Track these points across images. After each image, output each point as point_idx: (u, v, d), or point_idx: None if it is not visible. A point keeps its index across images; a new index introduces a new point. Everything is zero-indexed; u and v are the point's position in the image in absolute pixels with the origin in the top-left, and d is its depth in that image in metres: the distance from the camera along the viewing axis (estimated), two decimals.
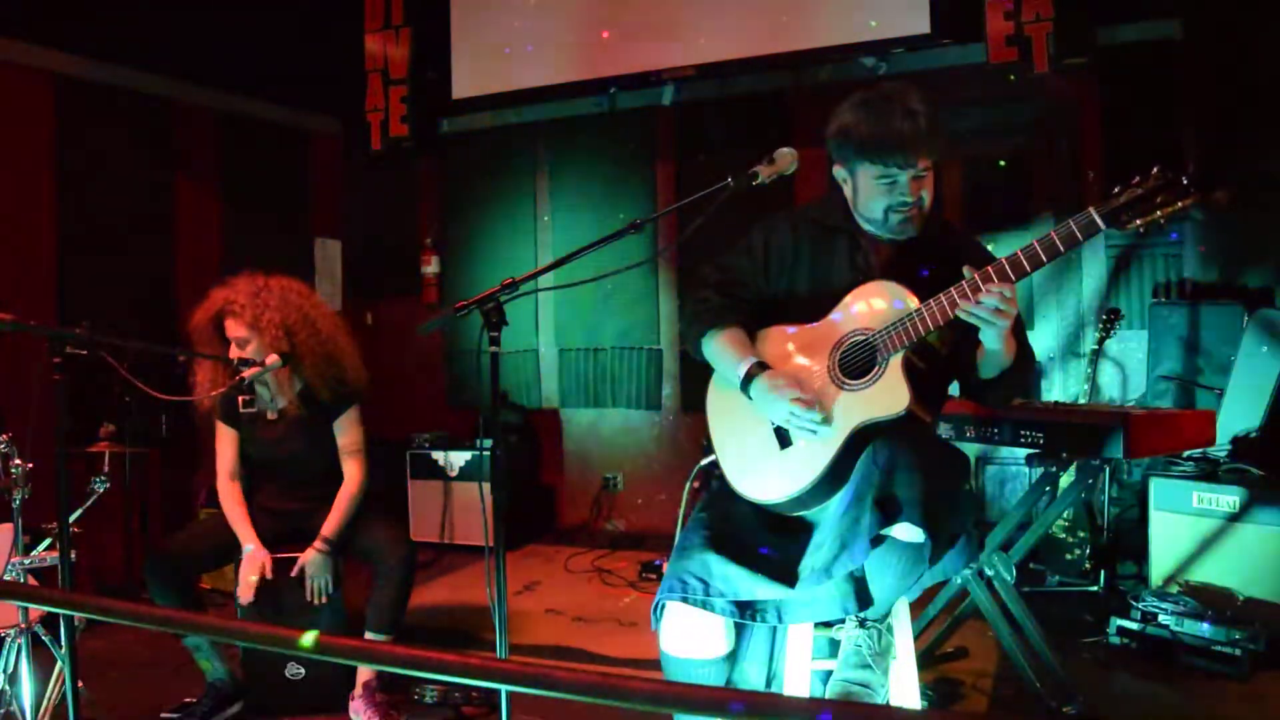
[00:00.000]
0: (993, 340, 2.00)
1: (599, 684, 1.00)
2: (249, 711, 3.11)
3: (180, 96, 5.19)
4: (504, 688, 1.03)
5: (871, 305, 2.09)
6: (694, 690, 0.97)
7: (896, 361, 2.02)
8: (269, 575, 3.03)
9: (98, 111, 4.75)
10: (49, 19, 4.52)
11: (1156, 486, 3.68)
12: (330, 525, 3.09)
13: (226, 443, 3.22)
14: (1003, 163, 4.82)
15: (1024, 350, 2.14)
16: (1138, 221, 1.88)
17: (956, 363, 2.18)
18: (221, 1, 5.32)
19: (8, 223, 4.40)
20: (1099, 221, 1.88)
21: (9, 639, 2.75)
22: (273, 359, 3.02)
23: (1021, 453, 4.23)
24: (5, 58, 4.40)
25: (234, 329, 3.10)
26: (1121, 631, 3.36)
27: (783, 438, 2.12)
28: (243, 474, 3.27)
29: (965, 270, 1.96)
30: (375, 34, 5.92)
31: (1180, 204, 1.85)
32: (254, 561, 3.03)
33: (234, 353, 3.07)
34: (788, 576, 2.00)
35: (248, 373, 2.94)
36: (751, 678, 2.27)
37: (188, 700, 3.12)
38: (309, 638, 1.05)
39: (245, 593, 3.01)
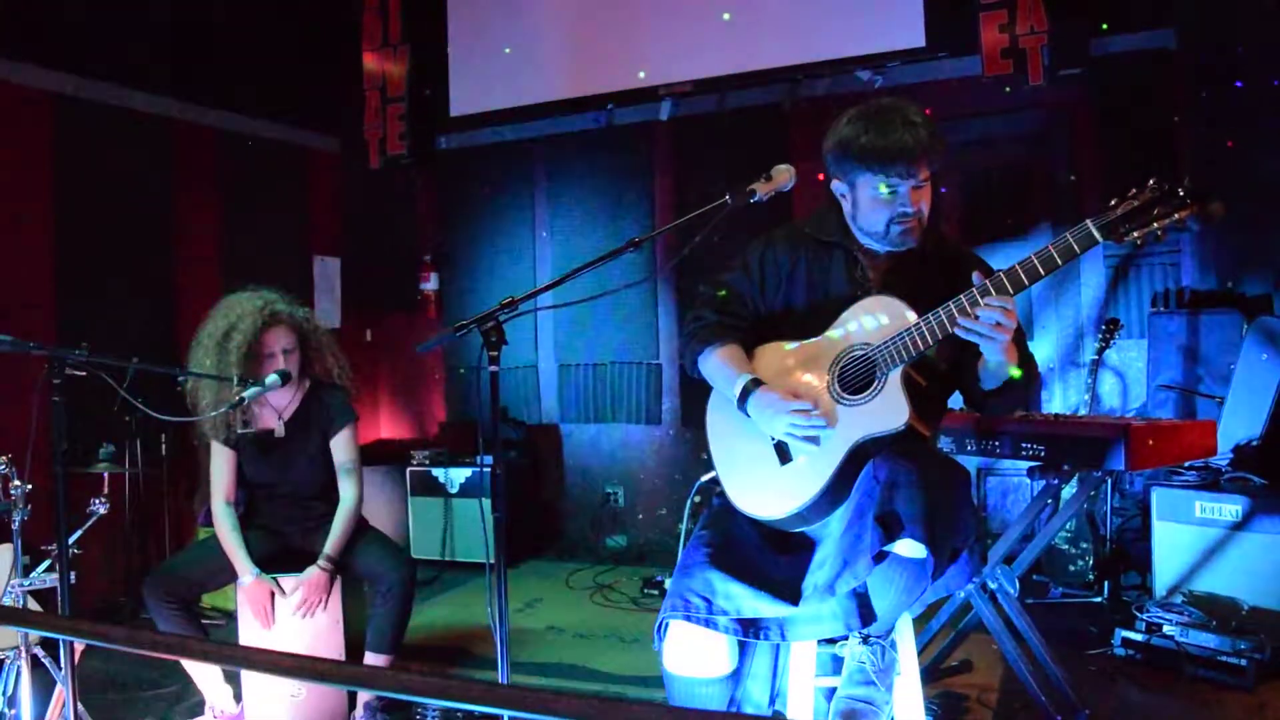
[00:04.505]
0: (994, 353, 2.00)
1: (599, 708, 1.00)
2: None
3: (179, 115, 5.21)
4: (505, 713, 1.02)
5: (869, 320, 2.09)
6: (695, 715, 0.97)
7: (895, 376, 2.02)
8: (280, 594, 3.03)
9: (96, 131, 4.76)
10: (48, 39, 4.54)
11: (1159, 496, 3.68)
12: (332, 544, 3.09)
13: (223, 464, 3.20)
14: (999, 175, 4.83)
15: (1026, 361, 2.14)
16: (1135, 234, 1.88)
17: (958, 375, 2.18)
18: (221, 21, 5.35)
19: (6, 242, 4.41)
20: (1096, 235, 1.88)
21: (8, 661, 2.74)
22: (271, 378, 3.02)
23: (1023, 464, 4.24)
24: (4, 78, 4.42)
25: (285, 335, 3.11)
26: (1126, 643, 3.35)
27: (782, 454, 2.12)
28: (240, 495, 3.26)
29: (975, 277, 1.96)
30: (373, 53, 5.95)
31: (1177, 216, 1.85)
32: (259, 591, 3.01)
33: (280, 364, 3.07)
34: (791, 594, 1.99)
35: (248, 393, 2.94)
36: (755, 696, 2.26)
37: None
38: None
39: (266, 622, 3.00)
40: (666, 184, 5.59)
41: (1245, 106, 4.26)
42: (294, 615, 3.02)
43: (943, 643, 3.23)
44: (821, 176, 2.22)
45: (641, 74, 5.31)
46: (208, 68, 5.30)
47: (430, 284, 6.19)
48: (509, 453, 5.53)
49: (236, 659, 1.31)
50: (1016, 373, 2.07)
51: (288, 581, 3.05)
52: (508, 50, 5.72)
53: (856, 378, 2.08)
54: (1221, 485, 3.58)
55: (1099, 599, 3.97)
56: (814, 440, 2.05)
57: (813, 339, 2.18)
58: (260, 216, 5.66)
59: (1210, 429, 2.93)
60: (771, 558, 2.10)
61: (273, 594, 3.02)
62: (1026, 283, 1.94)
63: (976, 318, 1.93)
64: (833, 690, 2.17)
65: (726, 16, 5.13)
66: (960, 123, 4.79)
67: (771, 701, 2.30)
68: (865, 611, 2.00)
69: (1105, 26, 4.51)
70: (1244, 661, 3.07)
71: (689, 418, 5.49)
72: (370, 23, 5.96)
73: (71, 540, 2.75)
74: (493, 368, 2.02)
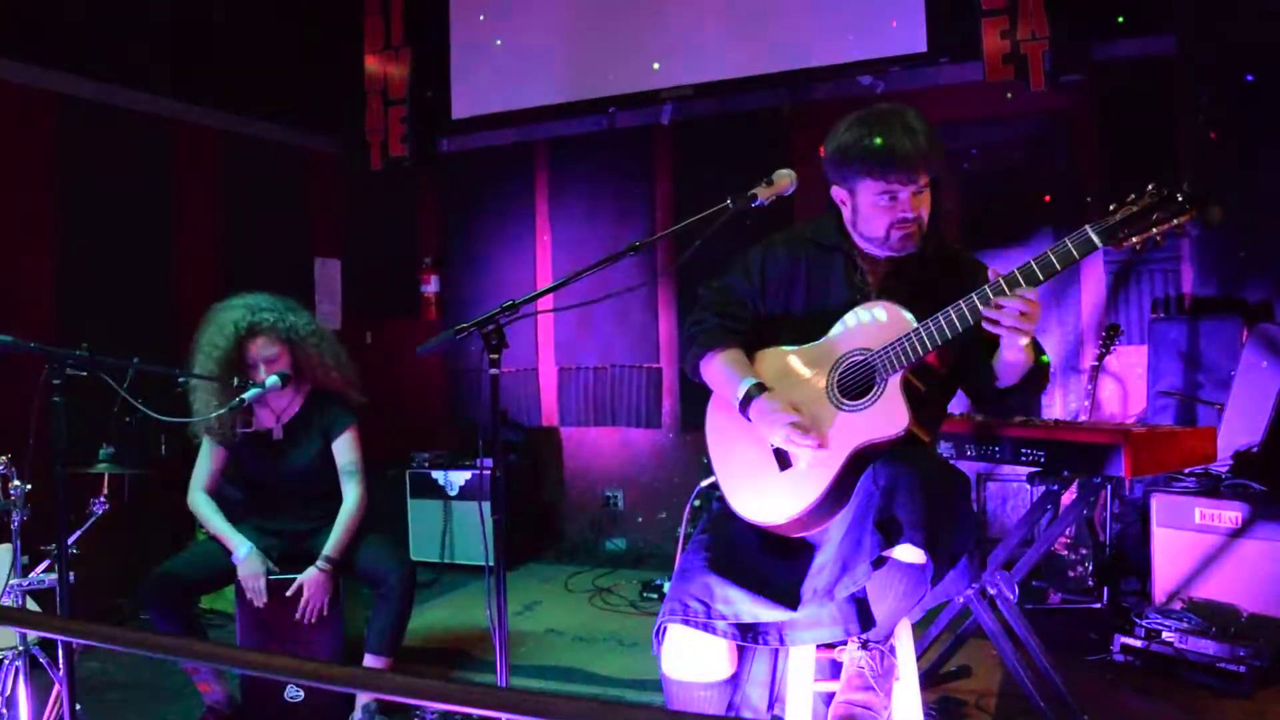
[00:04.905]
0: (1015, 350, 1.98)
1: (598, 712, 1.00)
2: None
3: (180, 116, 5.22)
4: (504, 715, 1.02)
5: (869, 325, 2.09)
6: (694, 719, 0.97)
7: (895, 381, 2.02)
8: (274, 568, 3.06)
9: (97, 131, 4.77)
10: (49, 40, 4.55)
11: (1159, 503, 3.67)
12: (333, 544, 3.09)
13: (209, 459, 3.23)
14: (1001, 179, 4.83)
15: (1040, 353, 2.12)
16: (1134, 240, 1.88)
17: (968, 378, 2.17)
18: (222, 22, 5.36)
19: (7, 242, 4.41)
20: (1096, 240, 1.88)
21: (6, 661, 2.74)
22: (272, 380, 3.02)
23: (1023, 469, 4.25)
24: (5, 78, 4.42)
25: (266, 345, 3.10)
26: (1125, 649, 3.35)
27: (782, 459, 2.12)
28: (241, 495, 3.26)
29: (990, 274, 1.95)
30: (375, 54, 5.96)
31: (1176, 221, 1.85)
32: (253, 564, 3.03)
33: (262, 374, 3.06)
34: (789, 598, 1.99)
35: (248, 394, 2.94)
36: (753, 701, 2.26)
37: None
38: None
39: (259, 596, 3.02)
40: (667, 187, 5.59)
41: (1245, 112, 4.27)
42: (298, 617, 3.02)
43: (941, 648, 3.23)
44: (825, 135, 2.21)
45: (656, 66, 5.31)
46: (209, 68, 5.31)
47: (431, 286, 6.20)
48: (509, 455, 5.53)
49: (234, 660, 1.30)
50: (1045, 358, 2.06)
51: (288, 583, 3.05)
52: (498, 43, 5.73)
53: (856, 382, 2.08)
54: (1221, 492, 3.58)
55: (1098, 605, 3.97)
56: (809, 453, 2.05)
57: (812, 343, 2.18)
58: (261, 218, 5.66)
59: (1210, 435, 2.92)
60: (770, 562, 2.10)
61: (266, 569, 3.04)
62: (1025, 287, 1.94)
63: (1000, 307, 1.91)
64: (831, 695, 2.17)
65: None
66: (961, 128, 4.80)
67: (770, 706, 2.30)
68: (864, 616, 2.00)
69: (1121, 19, 4.49)
70: (1243, 668, 3.07)
71: (689, 421, 5.49)
72: (372, 24, 5.97)
73: (71, 541, 2.75)
74: (493, 370, 2.02)
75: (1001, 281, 1.93)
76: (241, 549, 3.05)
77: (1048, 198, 4.71)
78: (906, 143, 2.04)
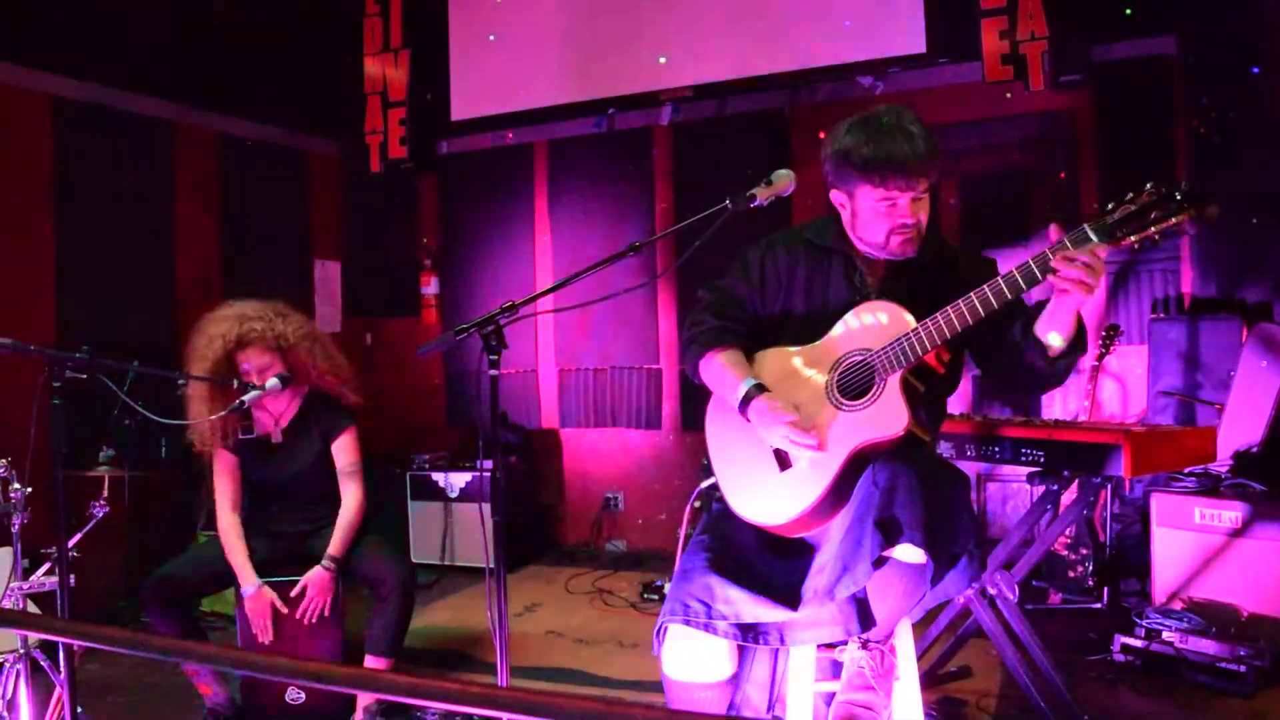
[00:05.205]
0: (1070, 309, 1.95)
1: (600, 711, 1.00)
2: None
3: (179, 118, 5.22)
4: (505, 715, 1.02)
5: (869, 325, 2.10)
6: (695, 719, 0.97)
7: (895, 382, 2.02)
8: (282, 610, 3.03)
9: (96, 134, 4.77)
10: (48, 42, 4.55)
11: (1159, 503, 3.68)
12: (335, 544, 3.09)
13: (227, 471, 3.20)
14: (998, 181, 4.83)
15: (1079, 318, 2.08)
16: (1133, 238, 1.87)
17: (1006, 366, 2.14)
18: (222, 25, 5.36)
19: (7, 245, 4.41)
20: (1094, 238, 1.88)
21: (7, 664, 2.74)
22: (272, 382, 3.02)
23: (1023, 469, 4.25)
24: (3, 81, 4.42)
25: (257, 355, 3.09)
26: (1125, 649, 3.35)
27: (782, 459, 2.12)
28: (243, 500, 3.26)
29: (1052, 230, 1.92)
30: (374, 57, 5.97)
31: (1174, 219, 1.85)
32: (261, 601, 3.02)
33: (255, 380, 3.06)
34: (790, 598, 1.99)
35: (248, 397, 2.94)
36: (754, 701, 2.26)
37: None
38: None
39: (265, 634, 3.01)
40: (667, 188, 5.59)
41: (1246, 112, 4.27)
42: (298, 616, 3.02)
43: (942, 648, 3.23)
44: (824, 135, 2.21)
45: (663, 59, 5.30)
46: (209, 71, 5.31)
47: (430, 288, 6.20)
48: (509, 457, 5.53)
49: (236, 661, 1.30)
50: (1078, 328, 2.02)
51: (290, 585, 3.05)
52: (491, 37, 5.74)
53: (856, 382, 2.08)
54: (1221, 491, 3.58)
55: (1098, 605, 3.97)
56: (808, 453, 2.05)
57: (812, 344, 2.18)
58: (261, 220, 5.66)
59: (1210, 435, 2.93)
60: (771, 562, 2.11)
61: (273, 605, 3.02)
62: (1024, 286, 1.94)
63: (1074, 260, 1.86)
64: (832, 695, 2.17)
65: None
66: (961, 128, 4.80)
67: (770, 707, 2.30)
68: (864, 616, 2.00)
69: (1129, 11, 4.49)
70: (1243, 668, 3.07)
71: (689, 422, 5.49)
72: (371, 26, 5.98)
73: (71, 543, 2.75)
74: (492, 371, 2.02)
75: (1066, 240, 1.89)
76: (249, 586, 3.04)
77: (1048, 193, 4.71)
78: (906, 149, 2.03)
